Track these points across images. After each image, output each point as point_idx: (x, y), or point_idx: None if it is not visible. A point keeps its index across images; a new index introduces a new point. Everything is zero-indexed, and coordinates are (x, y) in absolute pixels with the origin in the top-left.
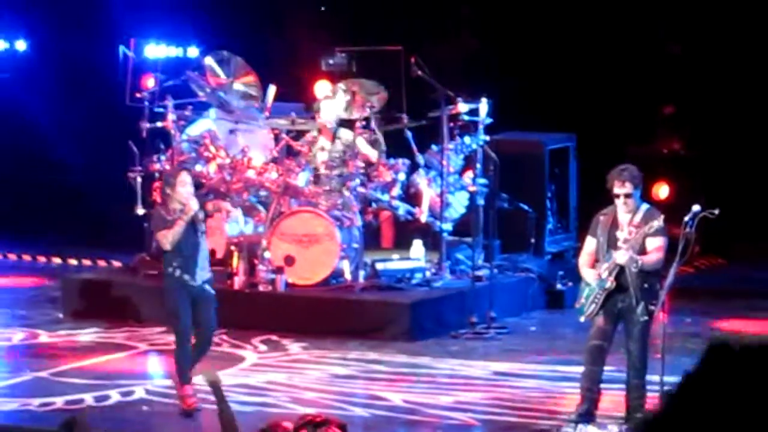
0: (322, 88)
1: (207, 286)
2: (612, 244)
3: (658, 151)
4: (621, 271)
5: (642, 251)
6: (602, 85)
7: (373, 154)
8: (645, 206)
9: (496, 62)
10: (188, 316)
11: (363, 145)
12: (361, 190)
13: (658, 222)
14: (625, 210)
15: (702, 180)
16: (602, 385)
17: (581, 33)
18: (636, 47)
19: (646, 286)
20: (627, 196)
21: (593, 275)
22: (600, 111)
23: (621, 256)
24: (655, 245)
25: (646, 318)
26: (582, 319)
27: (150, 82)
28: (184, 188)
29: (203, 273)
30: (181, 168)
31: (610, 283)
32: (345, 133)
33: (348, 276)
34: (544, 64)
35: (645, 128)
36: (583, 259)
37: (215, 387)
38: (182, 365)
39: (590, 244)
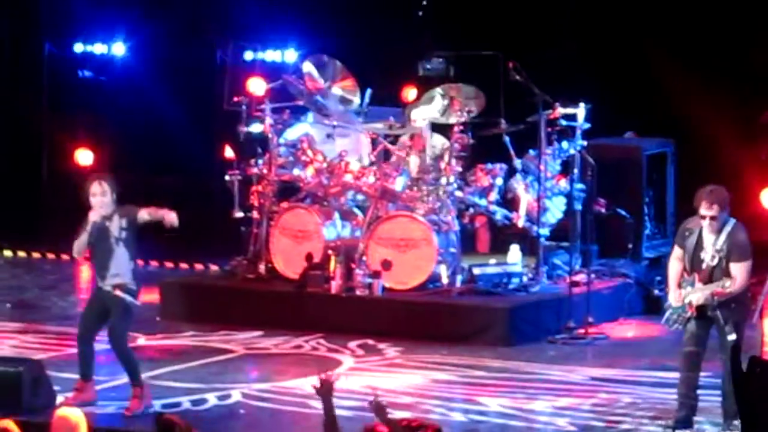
0: (409, 93)
1: (118, 292)
2: (696, 265)
3: (758, 157)
4: None
5: (726, 275)
6: (703, 89)
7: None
8: (730, 224)
9: (594, 67)
10: (86, 318)
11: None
12: (458, 194)
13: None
14: (710, 230)
15: None
16: (699, 391)
17: (682, 37)
18: (736, 51)
19: (732, 305)
20: (712, 218)
21: (676, 298)
22: (700, 116)
23: (696, 298)
24: (736, 273)
25: (734, 336)
26: (670, 329)
27: (257, 86)
28: (92, 198)
29: (115, 279)
30: (93, 178)
31: (690, 313)
32: (439, 138)
33: (445, 280)
34: (643, 68)
35: (745, 133)
36: (673, 267)
37: (326, 395)
38: (79, 359)
39: (678, 251)
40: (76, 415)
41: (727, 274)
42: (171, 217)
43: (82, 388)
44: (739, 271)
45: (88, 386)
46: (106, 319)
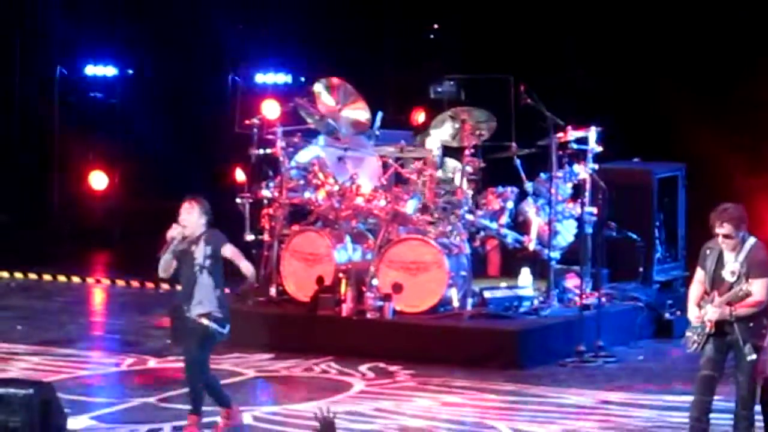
0: (422, 117)
1: (203, 320)
2: (717, 283)
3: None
4: None
5: (746, 293)
6: (714, 114)
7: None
8: (750, 242)
9: (606, 91)
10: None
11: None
12: (469, 217)
13: (748, 285)
14: (728, 249)
15: None
16: (711, 415)
17: (693, 61)
18: (748, 76)
19: (751, 324)
20: (726, 236)
21: (695, 315)
22: (711, 140)
23: (711, 314)
24: (756, 290)
25: (754, 356)
26: (688, 351)
27: (271, 108)
28: (180, 215)
29: (198, 308)
30: (186, 198)
31: (710, 329)
32: (451, 161)
33: (456, 304)
34: (655, 92)
35: (756, 158)
36: (694, 289)
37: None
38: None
39: (700, 273)
40: None
41: (747, 292)
42: (250, 273)
43: (228, 415)
44: (759, 287)
45: (233, 413)
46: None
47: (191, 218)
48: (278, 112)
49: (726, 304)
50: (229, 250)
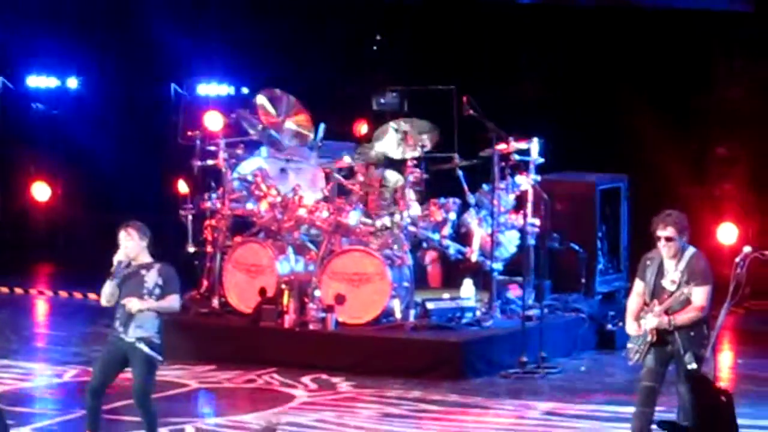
0: (361, 128)
1: (141, 345)
2: (657, 292)
3: (712, 192)
4: None
5: (686, 302)
6: (656, 126)
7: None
8: (690, 251)
9: (548, 103)
10: (103, 371)
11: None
12: (412, 229)
13: (690, 286)
14: (668, 255)
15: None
16: (653, 427)
17: (635, 75)
18: (690, 89)
19: (692, 334)
20: (668, 239)
21: (635, 329)
22: (653, 152)
23: (650, 322)
24: (696, 298)
25: (694, 365)
26: (630, 363)
27: (214, 120)
28: (121, 243)
29: (138, 331)
30: (121, 226)
31: (651, 337)
32: (393, 174)
33: (399, 315)
34: (597, 105)
35: (698, 170)
36: (632, 301)
37: None
38: (86, 412)
39: (638, 285)
40: None
41: (687, 300)
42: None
43: None
44: (700, 295)
45: None
46: (121, 370)
47: (132, 244)
48: (221, 124)
49: (665, 313)
50: (175, 300)
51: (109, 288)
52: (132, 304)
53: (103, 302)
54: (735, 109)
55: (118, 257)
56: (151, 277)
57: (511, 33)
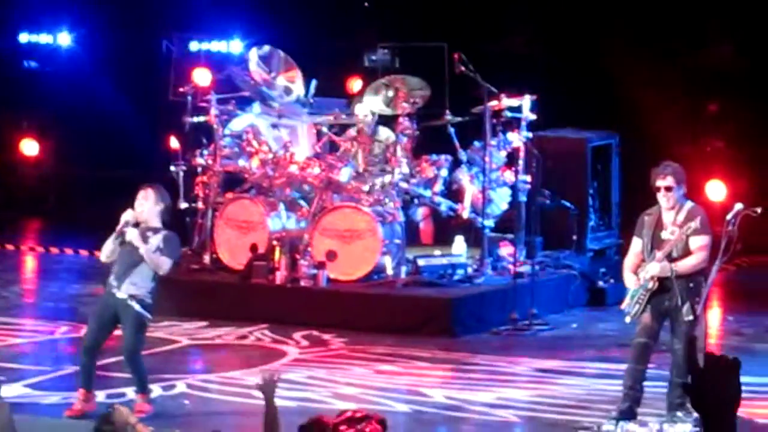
0: (354, 85)
1: (132, 302)
2: (656, 244)
3: (703, 149)
4: None
5: (686, 251)
6: (648, 82)
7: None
8: (689, 204)
9: (539, 59)
10: (95, 329)
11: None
12: (403, 185)
13: (695, 223)
14: (667, 206)
15: (748, 178)
16: (645, 383)
17: (629, 30)
18: (683, 45)
19: (691, 285)
20: (667, 189)
21: (634, 281)
22: (645, 108)
23: (653, 268)
24: (697, 245)
25: (691, 317)
26: (628, 319)
27: (202, 76)
28: (136, 202)
29: (131, 288)
30: (142, 186)
31: (652, 284)
32: (384, 130)
33: (390, 272)
34: (589, 61)
35: (690, 127)
36: (629, 260)
37: (267, 392)
38: (80, 370)
39: (636, 244)
40: None
41: (688, 252)
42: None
43: (87, 398)
44: (697, 245)
45: (91, 396)
46: (114, 327)
47: (147, 204)
48: (209, 80)
49: (666, 258)
50: (166, 263)
51: (110, 245)
52: (130, 232)
53: (103, 258)
54: (726, 66)
55: (126, 216)
56: (155, 240)
57: None
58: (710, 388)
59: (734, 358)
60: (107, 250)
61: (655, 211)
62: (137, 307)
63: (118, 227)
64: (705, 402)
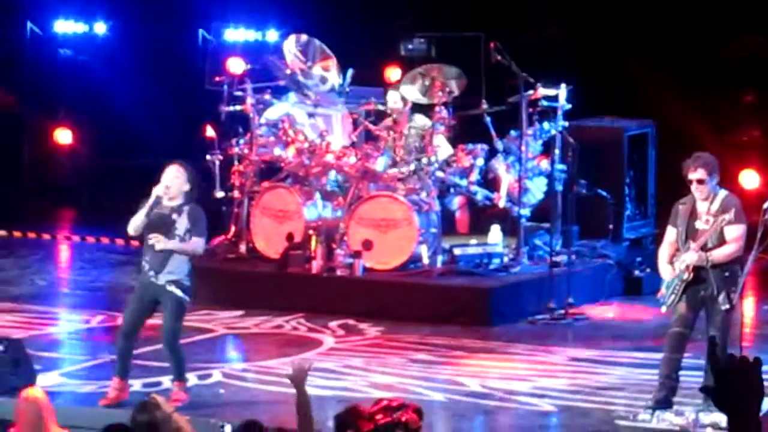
0: (392, 73)
1: (172, 288)
2: (691, 234)
3: (739, 140)
4: None
5: (721, 241)
6: (684, 73)
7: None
8: (723, 193)
9: (577, 48)
10: (134, 313)
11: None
12: (439, 174)
13: (729, 215)
14: (701, 197)
15: None
16: (681, 372)
17: (663, 19)
18: (718, 37)
19: (726, 274)
20: (699, 182)
21: (669, 272)
22: (680, 98)
23: (690, 257)
24: (732, 235)
25: (727, 306)
26: (663, 309)
27: (236, 66)
28: (163, 177)
29: (170, 275)
30: (172, 162)
31: (687, 275)
32: (421, 119)
33: (426, 261)
34: (624, 49)
35: (726, 116)
36: (664, 250)
37: (297, 381)
38: (117, 356)
39: (671, 234)
40: (38, 394)
41: (723, 242)
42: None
43: (122, 387)
44: (733, 235)
45: (125, 385)
46: (152, 313)
47: (176, 183)
48: (242, 70)
49: (701, 248)
50: (199, 243)
51: (140, 218)
52: (157, 241)
53: (130, 230)
54: (760, 56)
55: (157, 191)
56: (182, 223)
57: None
58: (732, 388)
59: (756, 357)
60: (136, 223)
61: (689, 200)
62: (178, 292)
63: (149, 201)
64: (727, 402)
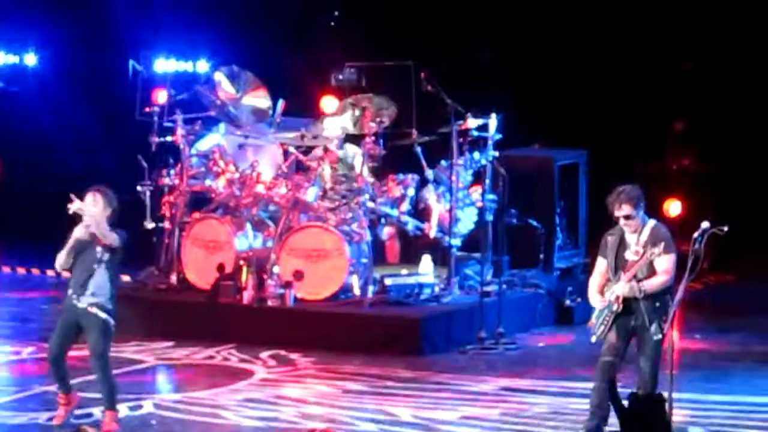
0: (328, 103)
1: (94, 309)
2: (621, 265)
3: (668, 168)
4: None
5: (651, 272)
6: (613, 100)
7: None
8: (651, 223)
9: (506, 77)
10: (59, 338)
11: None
12: (370, 204)
13: (659, 248)
14: (630, 231)
15: (713, 196)
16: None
17: (592, 49)
18: (647, 63)
19: (657, 304)
20: (626, 217)
21: (599, 301)
22: (611, 127)
23: (620, 288)
24: (663, 267)
25: (659, 336)
26: (593, 339)
27: (161, 97)
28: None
29: (92, 298)
30: (89, 190)
31: (617, 306)
32: (351, 149)
33: (357, 291)
34: (554, 79)
35: (655, 144)
36: (594, 280)
37: None
38: (54, 380)
39: (601, 264)
40: None
41: (654, 272)
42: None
43: (68, 400)
44: (665, 263)
45: (73, 396)
46: (77, 336)
47: (95, 211)
48: (166, 100)
49: (633, 278)
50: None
51: (64, 255)
52: (76, 205)
53: (57, 267)
54: (690, 84)
55: (79, 235)
56: (100, 248)
57: (463, 2)
58: (637, 426)
59: (659, 395)
60: (62, 260)
61: (618, 231)
62: (102, 314)
63: (71, 242)
64: None
